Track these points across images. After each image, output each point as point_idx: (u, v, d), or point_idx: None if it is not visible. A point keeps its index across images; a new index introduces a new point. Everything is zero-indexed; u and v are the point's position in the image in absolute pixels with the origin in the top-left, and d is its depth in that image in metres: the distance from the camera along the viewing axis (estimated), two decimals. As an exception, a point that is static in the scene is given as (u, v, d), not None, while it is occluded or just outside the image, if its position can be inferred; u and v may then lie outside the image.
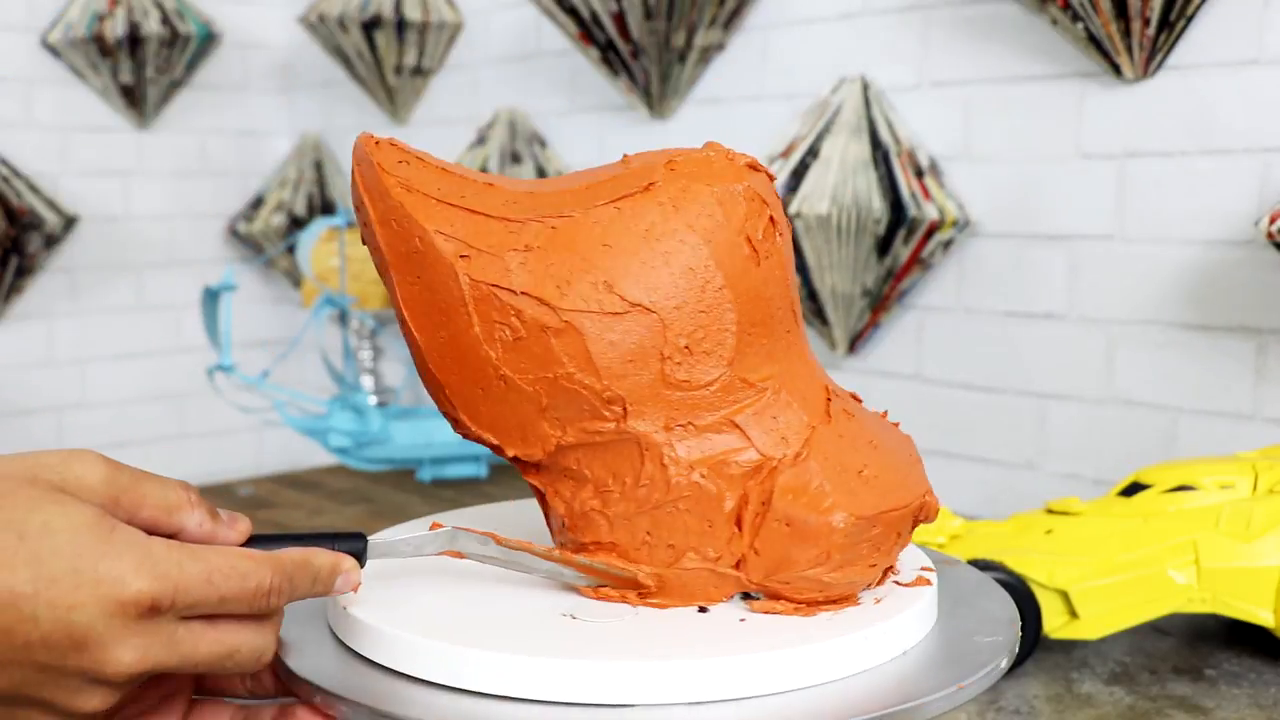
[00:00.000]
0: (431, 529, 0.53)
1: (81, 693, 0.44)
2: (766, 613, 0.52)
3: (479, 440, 0.55)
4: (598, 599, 0.53)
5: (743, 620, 0.51)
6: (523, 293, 0.51)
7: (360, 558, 0.51)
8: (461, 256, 0.52)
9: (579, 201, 0.53)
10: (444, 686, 0.48)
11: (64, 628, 0.42)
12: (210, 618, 0.46)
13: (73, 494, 0.45)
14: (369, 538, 0.52)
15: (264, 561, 0.46)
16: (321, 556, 0.49)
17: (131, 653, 0.43)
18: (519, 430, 0.53)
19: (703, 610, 0.52)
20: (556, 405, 0.52)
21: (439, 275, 0.52)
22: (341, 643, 0.53)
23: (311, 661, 0.51)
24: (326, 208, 1.78)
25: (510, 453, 0.54)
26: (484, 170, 1.49)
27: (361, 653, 0.51)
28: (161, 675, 0.49)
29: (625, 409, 0.52)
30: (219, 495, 1.39)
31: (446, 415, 0.55)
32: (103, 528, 0.44)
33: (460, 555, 0.53)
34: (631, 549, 0.53)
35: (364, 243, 0.56)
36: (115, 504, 0.46)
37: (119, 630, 0.43)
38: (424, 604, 0.53)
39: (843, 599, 0.53)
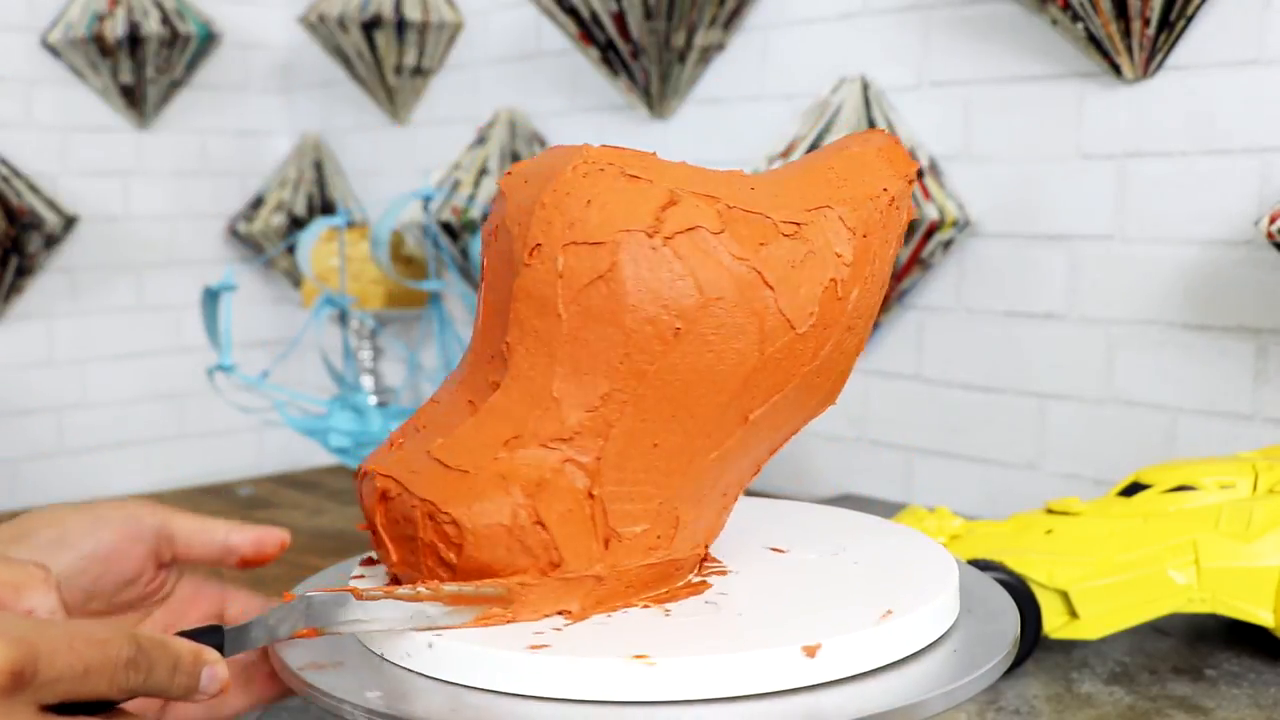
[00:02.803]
0: (285, 600, 0.49)
1: None
2: None
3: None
4: (479, 626, 0.50)
5: (740, 615, 0.51)
6: None
7: (221, 649, 0.46)
8: None
9: None
10: (449, 683, 0.48)
11: None
12: (75, 713, 0.40)
13: None
14: (225, 628, 0.47)
15: (120, 630, 0.42)
16: (180, 642, 0.44)
17: None
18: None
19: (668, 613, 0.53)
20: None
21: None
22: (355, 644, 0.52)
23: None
24: (326, 208, 1.78)
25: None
26: (484, 171, 1.49)
27: (374, 650, 0.51)
28: None
29: None
30: (219, 495, 1.39)
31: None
32: None
33: (318, 633, 0.48)
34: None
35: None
36: None
37: None
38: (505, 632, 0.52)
39: None
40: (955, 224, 1.14)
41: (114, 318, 1.76)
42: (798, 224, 0.53)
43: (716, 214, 0.52)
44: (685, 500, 0.54)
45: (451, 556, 0.50)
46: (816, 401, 0.57)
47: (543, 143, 1.53)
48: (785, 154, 1.19)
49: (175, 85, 1.76)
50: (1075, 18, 1.02)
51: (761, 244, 0.53)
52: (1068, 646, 0.82)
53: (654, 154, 0.57)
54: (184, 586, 0.59)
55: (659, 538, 0.53)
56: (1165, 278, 1.05)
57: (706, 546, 0.56)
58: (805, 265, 0.53)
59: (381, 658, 0.51)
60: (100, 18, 1.64)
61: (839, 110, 1.18)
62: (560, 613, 0.51)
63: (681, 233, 0.51)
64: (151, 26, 1.66)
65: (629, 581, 0.52)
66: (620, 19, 1.30)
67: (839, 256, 0.54)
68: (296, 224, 1.76)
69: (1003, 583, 0.72)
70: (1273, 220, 0.89)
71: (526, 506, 0.50)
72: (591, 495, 0.51)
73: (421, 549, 0.50)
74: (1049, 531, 0.80)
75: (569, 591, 0.51)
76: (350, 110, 1.79)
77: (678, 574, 0.55)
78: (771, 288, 0.52)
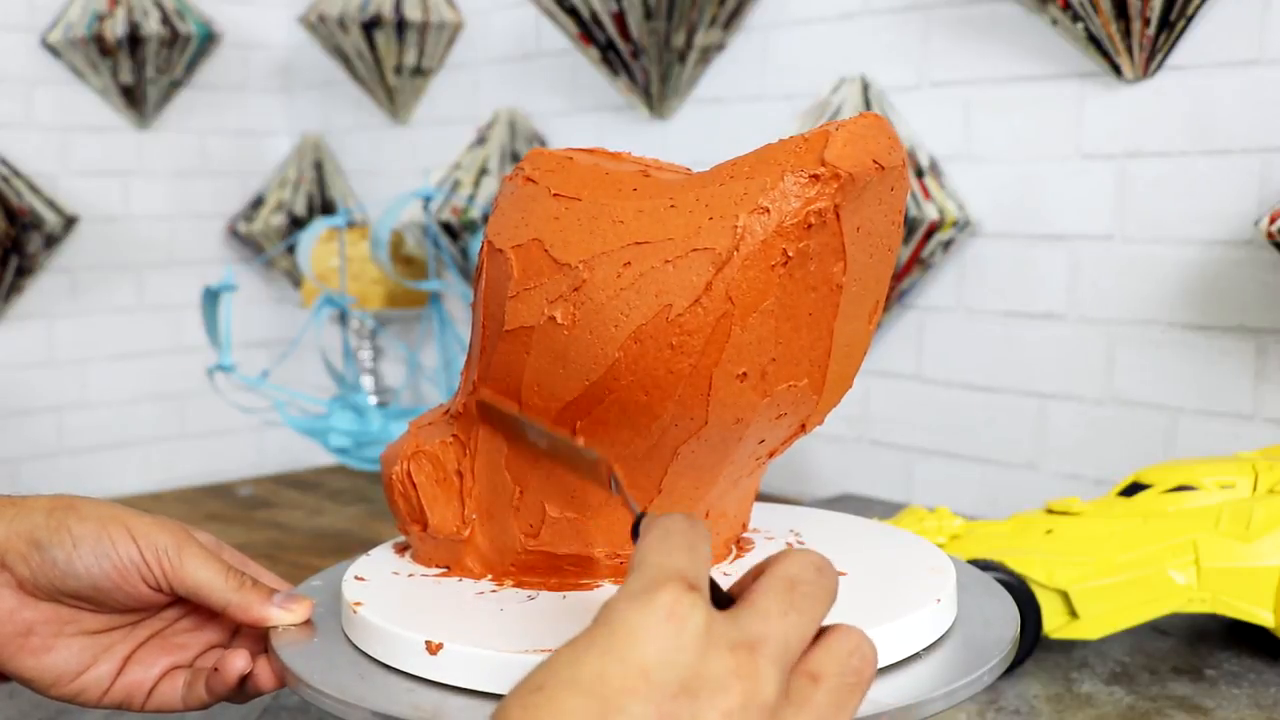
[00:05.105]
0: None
1: None
2: None
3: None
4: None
5: None
6: None
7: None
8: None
9: None
10: (447, 686, 0.48)
11: None
12: None
13: None
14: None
15: None
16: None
17: None
18: None
19: None
20: None
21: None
22: (350, 646, 0.53)
23: (317, 663, 0.51)
24: (326, 208, 1.78)
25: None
26: (484, 171, 1.49)
27: (371, 654, 0.51)
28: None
29: None
30: (219, 495, 1.39)
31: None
32: None
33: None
34: None
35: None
36: None
37: None
38: (428, 604, 0.53)
39: None
40: (955, 224, 1.14)
41: (114, 318, 1.76)
42: (642, 242, 0.51)
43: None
44: (553, 496, 0.55)
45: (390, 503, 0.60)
46: (670, 422, 0.52)
47: (543, 143, 1.53)
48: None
49: (175, 85, 1.76)
50: (1075, 18, 1.02)
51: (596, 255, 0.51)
52: (1068, 646, 0.82)
53: (625, 154, 0.57)
54: (185, 621, 0.59)
55: (530, 525, 0.55)
56: (1165, 278, 1.05)
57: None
58: (634, 280, 0.50)
59: (378, 660, 0.51)
60: (100, 18, 1.64)
61: (839, 110, 1.18)
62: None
63: (518, 246, 0.53)
64: (151, 26, 1.66)
65: (513, 562, 0.56)
66: (620, 19, 1.30)
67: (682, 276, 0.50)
68: (296, 224, 1.76)
69: (1003, 583, 0.72)
70: (1273, 220, 0.89)
71: (404, 469, 0.58)
72: (459, 473, 0.57)
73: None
74: (1049, 531, 0.80)
75: (449, 550, 0.57)
76: (350, 110, 1.79)
77: (579, 570, 0.55)
78: (586, 299, 0.51)
